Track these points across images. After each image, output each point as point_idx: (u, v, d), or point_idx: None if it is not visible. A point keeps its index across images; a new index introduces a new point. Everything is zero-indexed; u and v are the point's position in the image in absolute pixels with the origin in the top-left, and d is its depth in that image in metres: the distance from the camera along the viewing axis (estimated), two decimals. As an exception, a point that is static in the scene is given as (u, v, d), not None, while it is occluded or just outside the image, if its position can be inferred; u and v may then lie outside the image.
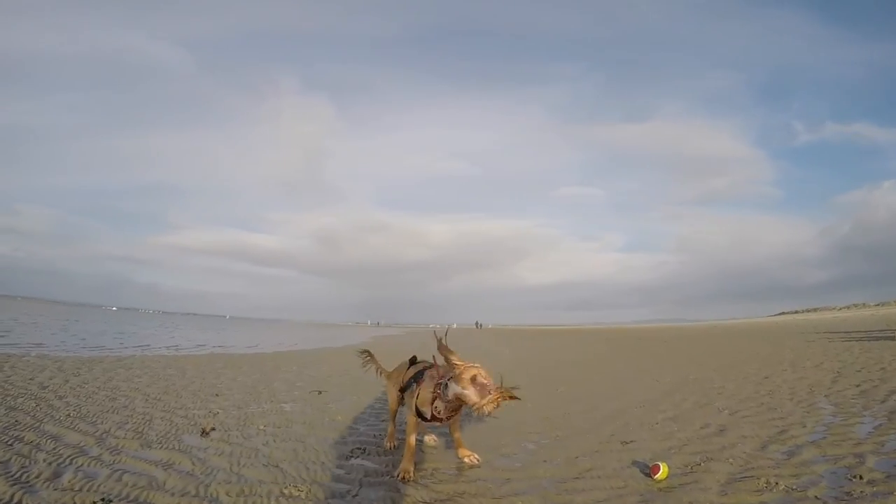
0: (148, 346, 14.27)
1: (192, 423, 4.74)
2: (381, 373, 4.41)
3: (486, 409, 2.96)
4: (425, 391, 3.39)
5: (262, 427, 4.68)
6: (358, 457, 3.82)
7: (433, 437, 4.26)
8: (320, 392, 6.88)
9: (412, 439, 3.47)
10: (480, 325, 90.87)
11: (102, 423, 4.54)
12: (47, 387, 6.07)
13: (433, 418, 3.36)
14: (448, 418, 3.39)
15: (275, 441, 4.20)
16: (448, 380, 3.20)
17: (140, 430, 4.38)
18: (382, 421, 5.02)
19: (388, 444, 4.10)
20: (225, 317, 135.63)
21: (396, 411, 4.07)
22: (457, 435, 3.74)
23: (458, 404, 3.24)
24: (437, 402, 3.29)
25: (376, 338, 31.09)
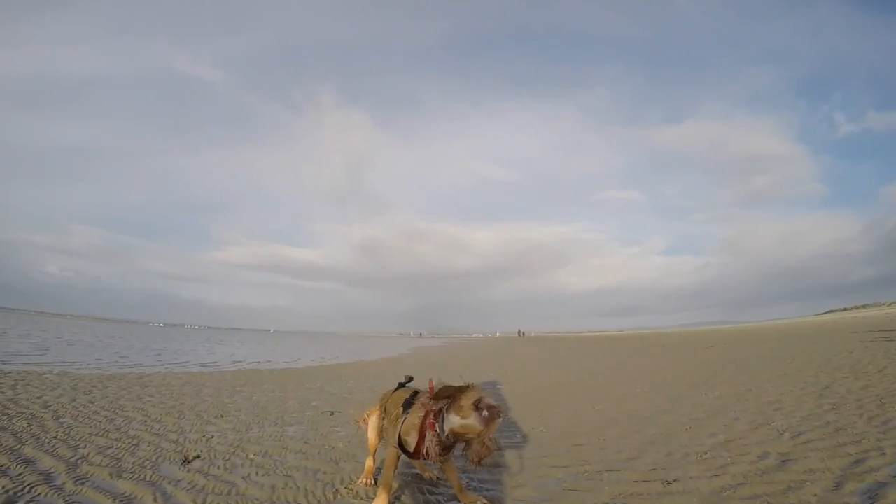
0: (186, 362, 14.28)
1: (179, 449, 4.34)
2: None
3: (490, 440, 2.46)
4: (413, 417, 2.83)
5: (251, 456, 4.21)
6: (344, 498, 3.26)
7: (432, 472, 3.64)
8: (332, 413, 6.41)
9: (389, 475, 2.91)
10: (523, 334, 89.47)
11: (84, 447, 4.21)
12: (49, 406, 5.86)
13: (418, 453, 2.79)
14: (441, 457, 2.80)
15: (257, 475, 3.71)
16: (445, 409, 2.66)
17: (119, 456, 4.01)
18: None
19: (363, 480, 3.50)
20: (269, 331, 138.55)
21: (377, 445, 3.51)
22: (454, 476, 3.05)
23: (455, 440, 2.69)
24: (430, 436, 2.73)
25: (416, 349, 30.75)
